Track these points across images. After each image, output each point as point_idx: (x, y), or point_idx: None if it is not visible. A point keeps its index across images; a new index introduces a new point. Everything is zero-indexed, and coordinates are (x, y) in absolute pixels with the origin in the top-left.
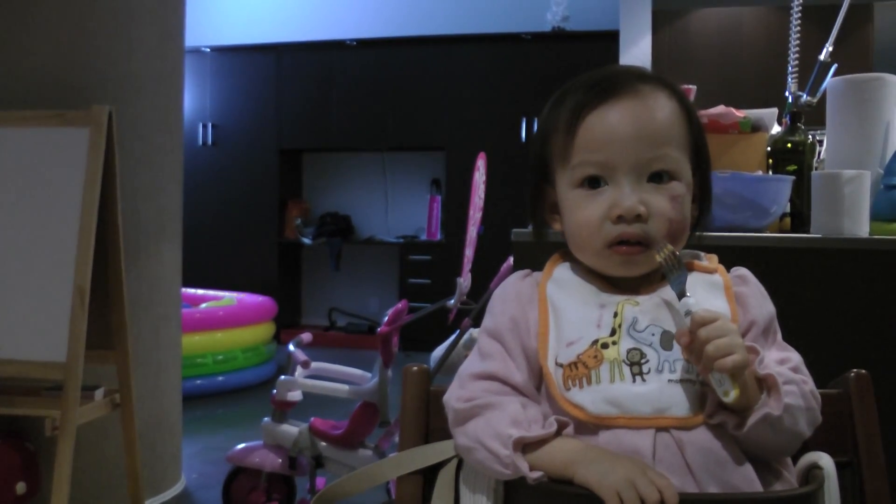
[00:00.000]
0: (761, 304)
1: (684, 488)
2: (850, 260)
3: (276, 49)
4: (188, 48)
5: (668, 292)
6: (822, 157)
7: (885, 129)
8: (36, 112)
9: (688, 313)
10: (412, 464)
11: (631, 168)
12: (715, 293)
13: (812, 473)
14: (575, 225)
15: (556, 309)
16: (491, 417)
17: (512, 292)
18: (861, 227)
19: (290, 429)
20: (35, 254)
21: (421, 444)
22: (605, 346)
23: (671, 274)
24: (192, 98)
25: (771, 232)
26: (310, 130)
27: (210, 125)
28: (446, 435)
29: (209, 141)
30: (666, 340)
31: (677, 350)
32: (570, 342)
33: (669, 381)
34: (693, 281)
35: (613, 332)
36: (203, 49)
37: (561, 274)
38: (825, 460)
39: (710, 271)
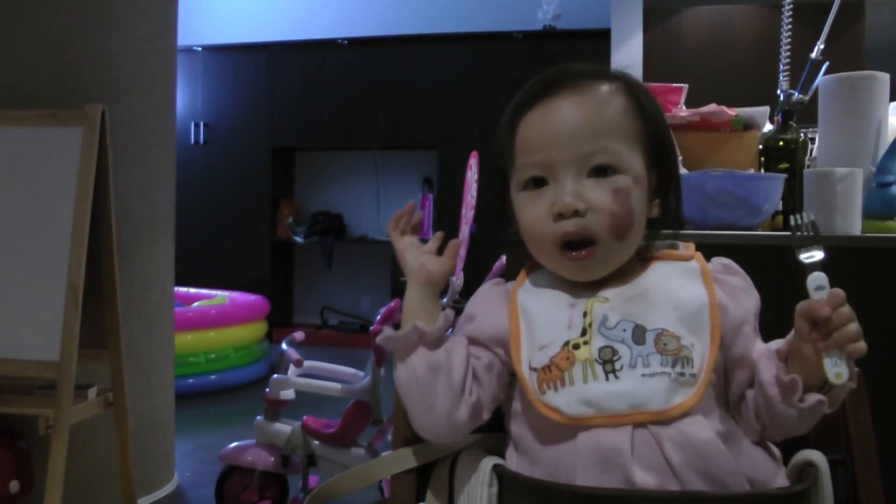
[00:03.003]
0: (752, 295)
1: (666, 485)
2: (842, 258)
3: (267, 48)
4: (180, 47)
5: (637, 286)
6: (814, 154)
7: (877, 127)
8: (29, 111)
9: (820, 288)
10: (406, 462)
11: (570, 164)
12: (692, 279)
13: (805, 471)
14: (523, 226)
15: (528, 314)
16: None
17: (480, 296)
18: (853, 225)
19: (283, 427)
20: (28, 253)
21: (415, 443)
22: (576, 346)
23: (804, 245)
24: (185, 97)
25: (763, 230)
26: (302, 129)
27: (202, 124)
28: None
29: (201, 140)
30: (638, 335)
31: (650, 344)
32: (542, 346)
33: (643, 375)
34: (667, 269)
35: (584, 332)
36: (195, 48)
37: (533, 280)
38: (818, 458)
39: (686, 258)
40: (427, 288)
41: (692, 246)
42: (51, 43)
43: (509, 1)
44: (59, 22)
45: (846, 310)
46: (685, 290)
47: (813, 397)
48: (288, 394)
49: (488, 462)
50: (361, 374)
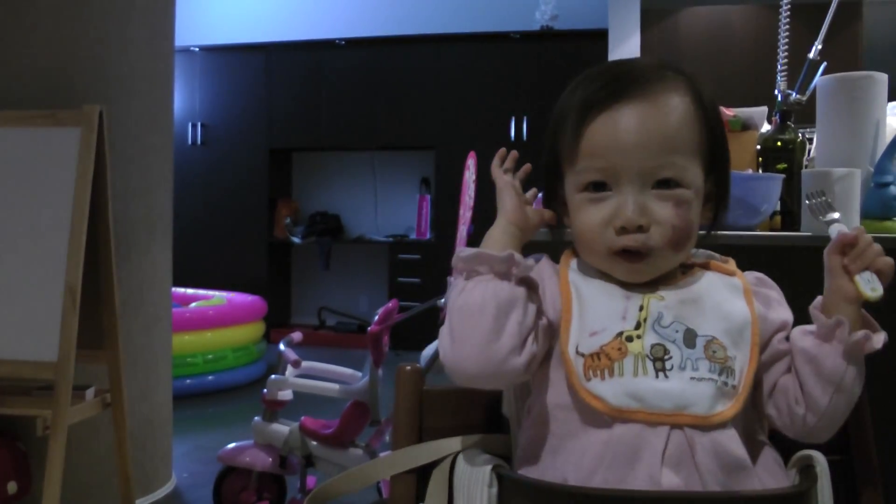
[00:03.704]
0: (785, 307)
1: (688, 486)
2: None
3: (265, 49)
4: (178, 48)
5: (691, 291)
6: (812, 155)
7: (875, 127)
8: (27, 112)
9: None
10: (405, 463)
11: (636, 176)
12: (736, 295)
13: (805, 472)
14: (579, 229)
15: (581, 296)
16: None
17: (537, 266)
18: (851, 225)
19: (281, 428)
20: (26, 253)
21: (414, 444)
22: (629, 339)
23: (820, 215)
24: (182, 98)
25: (761, 230)
26: (299, 130)
27: (200, 125)
28: (440, 434)
29: (199, 140)
30: (689, 338)
31: (700, 349)
32: (593, 332)
33: (692, 378)
34: (714, 281)
35: (638, 326)
36: (193, 49)
37: (581, 265)
38: (818, 458)
39: (730, 273)
40: (516, 229)
41: (733, 262)
42: (49, 44)
43: (507, 1)
44: (57, 23)
45: (868, 236)
46: (731, 305)
47: (860, 332)
48: (286, 394)
49: (488, 463)
50: (359, 374)
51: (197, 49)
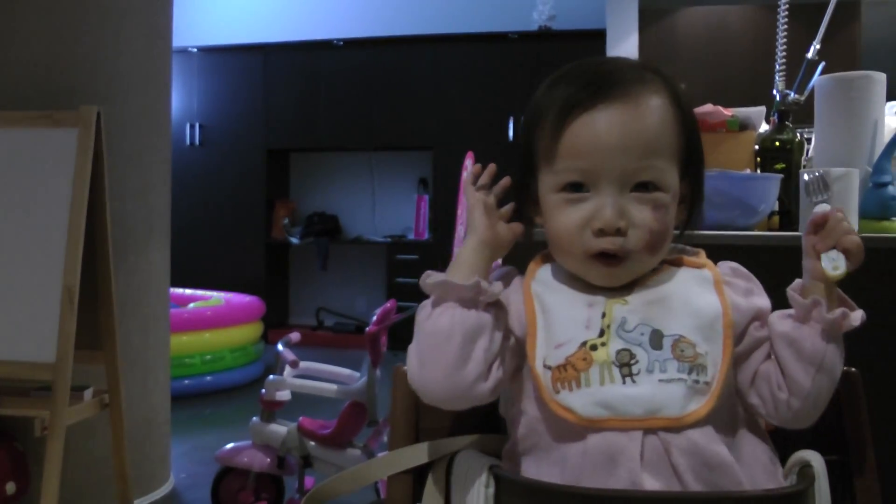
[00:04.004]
0: (761, 296)
1: (669, 488)
2: None
3: (263, 49)
4: (175, 48)
5: (657, 291)
6: (810, 155)
7: (873, 127)
8: (25, 113)
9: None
10: (402, 463)
11: (616, 178)
12: (706, 288)
13: (802, 472)
14: (555, 230)
15: (545, 309)
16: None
17: (494, 276)
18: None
19: (279, 428)
20: (24, 254)
21: (411, 444)
22: (594, 347)
23: (813, 195)
24: (180, 98)
25: (759, 230)
26: (297, 130)
27: (197, 125)
28: (437, 434)
29: (197, 141)
30: (655, 340)
31: (667, 350)
32: (558, 344)
33: (660, 381)
34: (684, 276)
35: (602, 333)
36: (190, 49)
37: (544, 275)
38: (815, 459)
39: (700, 266)
40: (487, 248)
41: (703, 253)
42: (46, 44)
43: (504, 2)
44: (55, 23)
45: (840, 215)
46: (701, 299)
47: (837, 311)
48: (284, 395)
49: (485, 463)
50: (357, 375)
51: (194, 49)
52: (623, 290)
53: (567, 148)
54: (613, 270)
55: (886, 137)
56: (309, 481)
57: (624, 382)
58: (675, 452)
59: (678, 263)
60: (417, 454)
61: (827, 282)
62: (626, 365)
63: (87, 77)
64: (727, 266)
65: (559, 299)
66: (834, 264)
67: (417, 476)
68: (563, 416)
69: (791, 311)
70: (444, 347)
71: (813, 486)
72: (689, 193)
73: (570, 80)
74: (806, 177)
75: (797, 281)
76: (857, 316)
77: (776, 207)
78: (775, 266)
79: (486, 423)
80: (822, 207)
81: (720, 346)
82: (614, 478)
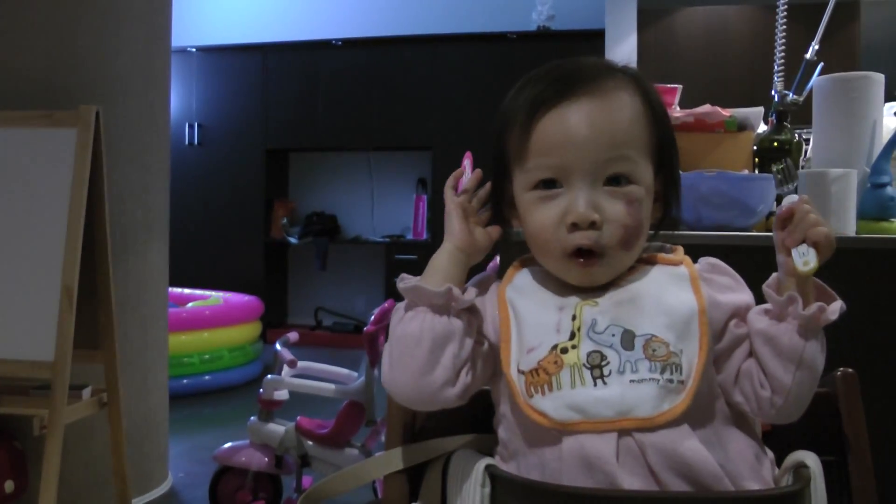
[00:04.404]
0: (741, 291)
1: (648, 488)
2: (836, 259)
3: (262, 49)
4: (174, 48)
5: (629, 290)
6: (808, 155)
7: (872, 128)
8: (23, 112)
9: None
10: (399, 463)
11: (587, 172)
12: (681, 285)
13: (798, 472)
14: (531, 229)
15: (517, 314)
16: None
17: (474, 282)
18: (848, 225)
19: (277, 428)
20: (23, 254)
21: (408, 444)
22: (564, 350)
23: (784, 184)
24: (179, 98)
25: (757, 231)
26: (296, 130)
27: (196, 125)
28: (433, 434)
29: (195, 141)
30: (627, 340)
31: (639, 350)
32: (530, 348)
33: (631, 381)
34: (657, 274)
35: (573, 336)
36: (189, 49)
37: (520, 280)
38: (812, 459)
39: (676, 263)
40: (462, 254)
41: (681, 250)
42: (45, 44)
43: (503, 2)
44: (54, 23)
45: (806, 206)
46: (675, 297)
47: (812, 306)
48: (282, 394)
49: (481, 463)
50: (355, 374)
51: (193, 49)
52: (595, 291)
53: (537, 145)
54: (591, 269)
55: (885, 138)
56: (307, 481)
57: (595, 384)
58: (650, 452)
59: (652, 261)
60: (414, 454)
61: (799, 277)
62: (596, 367)
63: (87, 77)
64: (706, 262)
65: (531, 304)
66: (804, 259)
67: (414, 475)
68: (536, 420)
69: (768, 306)
70: (413, 352)
71: (809, 486)
72: (663, 190)
73: (536, 80)
74: (774, 167)
75: (773, 276)
76: (834, 308)
77: (774, 208)
78: (773, 267)
79: (483, 422)
80: (790, 199)
81: (696, 344)
82: (592, 480)
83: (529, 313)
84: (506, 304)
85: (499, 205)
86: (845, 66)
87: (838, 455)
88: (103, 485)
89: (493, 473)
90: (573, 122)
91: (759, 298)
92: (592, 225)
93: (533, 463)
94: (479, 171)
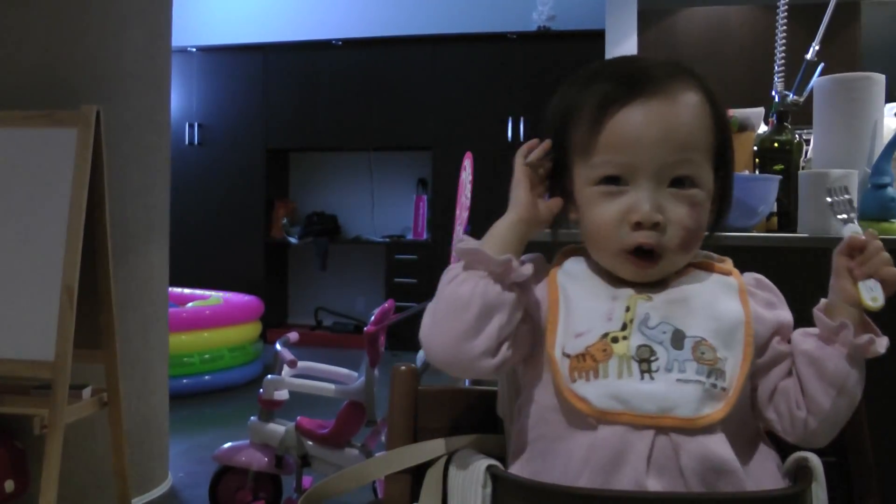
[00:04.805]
0: (784, 309)
1: (669, 489)
2: None
3: (262, 49)
4: (175, 48)
5: (681, 291)
6: (809, 156)
7: (873, 129)
8: (24, 112)
9: (854, 233)
10: (400, 463)
11: (654, 172)
12: (730, 294)
13: (801, 473)
14: (591, 224)
15: (567, 298)
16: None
17: (526, 270)
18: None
19: (277, 428)
20: (23, 253)
21: (409, 444)
22: (614, 340)
23: (842, 215)
24: (179, 98)
25: (758, 231)
26: (296, 130)
27: (197, 125)
28: (434, 434)
29: (196, 141)
30: (677, 339)
31: (688, 350)
32: (578, 333)
33: (678, 380)
34: (708, 280)
35: (624, 327)
36: (190, 49)
37: (571, 266)
38: (813, 460)
39: (726, 272)
40: (523, 226)
41: (730, 261)
42: (46, 44)
43: (504, 2)
44: (55, 23)
45: (878, 242)
46: (724, 304)
47: (864, 336)
48: (282, 394)
49: (482, 463)
50: (355, 374)
51: (194, 49)
52: (649, 286)
53: (606, 142)
54: (647, 268)
55: (886, 139)
56: (307, 481)
57: (641, 378)
58: (683, 455)
59: (705, 268)
60: (415, 454)
61: (862, 309)
62: (645, 361)
63: (87, 77)
64: (751, 276)
65: (583, 289)
66: (872, 295)
67: (415, 476)
68: (576, 405)
69: (814, 329)
70: (460, 315)
71: (810, 487)
72: (718, 194)
73: (606, 76)
74: (829, 198)
75: (822, 301)
76: (882, 343)
77: (775, 208)
78: (774, 267)
79: (485, 423)
80: (853, 228)
81: (739, 354)
82: (619, 475)
83: (580, 298)
84: (556, 286)
85: (560, 195)
86: (846, 66)
87: (840, 456)
88: (104, 484)
89: (494, 474)
90: (644, 122)
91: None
92: (655, 226)
93: (559, 452)
94: (548, 141)
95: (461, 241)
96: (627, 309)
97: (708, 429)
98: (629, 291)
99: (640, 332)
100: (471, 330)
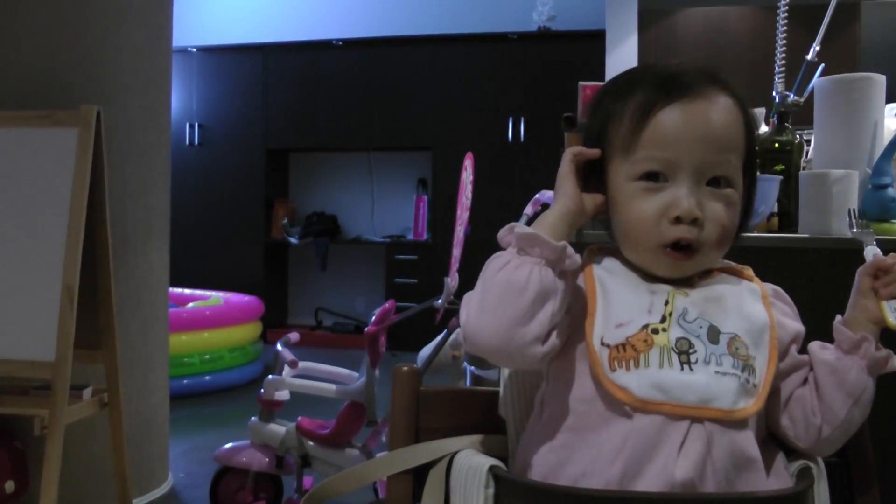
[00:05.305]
0: (798, 320)
1: (700, 480)
2: (837, 260)
3: (262, 49)
4: (175, 48)
5: (714, 290)
6: (809, 156)
7: (873, 129)
8: (25, 112)
9: (875, 255)
10: (402, 463)
11: (694, 170)
12: (755, 299)
13: (802, 473)
14: (629, 219)
15: (606, 290)
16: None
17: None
18: (849, 227)
19: (278, 428)
20: (24, 254)
21: (411, 444)
22: (655, 331)
23: (863, 238)
24: (179, 98)
25: (759, 232)
26: (296, 130)
27: (197, 125)
28: (436, 434)
29: (196, 141)
30: (713, 335)
31: (723, 345)
32: (619, 324)
33: (716, 372)
34: (736, 283)
35: (664, 320)
36: (190, 49)
37: (605, 261)
38: (815, 460)
39: (749, 279)
40: (572, 216)
41: (750, 270)
42: (46, 44)
43: (504, 2)
44: (55, 23)
45: None
46: (751, 307)
47: (884, 350)
48: (282, 395)
49: (484, 463)
50: (356, 375)
51: (194, 49)
52: (683, 283)
53: (649, 138)
54: (684, 263)
55: (886, 139)
56: (307, 481)
57: (682, 369)
58: (716, 447)
59: (734, 273)
60: (417, 454)
61: (885, 328)
62: (684, 353)
63: (87, 77)
64: (770, 287)
65: (622, 282)
66: None
67: (417, 476)
68: (617, 395)
69: (829, 345)
70: (515, 300)
71: (812, 487)
72: (743, 197)
73: (647, 80)
74: (849, 216)
75: (839, 317)
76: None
77: (775, 209)
78: (774, 267)
79: (486, 423)
80: (875, 251)
81: (766, 355)
82: (650, 465)
83: (619, 291)
84: (593, 278)
85: (594, 188)
86: (846, 67)
87: (842, 457)
88: (104, 485)
89: (496, 474)
90: (686, 121)
91: None
92: (694, 221)
93: (590, 442)
94: (597, 150)
95: (514, 227)
96: (667, 302)
97: (741, 423)
98: (667, 287)
99: (679, 326)
100: (525, 315)
